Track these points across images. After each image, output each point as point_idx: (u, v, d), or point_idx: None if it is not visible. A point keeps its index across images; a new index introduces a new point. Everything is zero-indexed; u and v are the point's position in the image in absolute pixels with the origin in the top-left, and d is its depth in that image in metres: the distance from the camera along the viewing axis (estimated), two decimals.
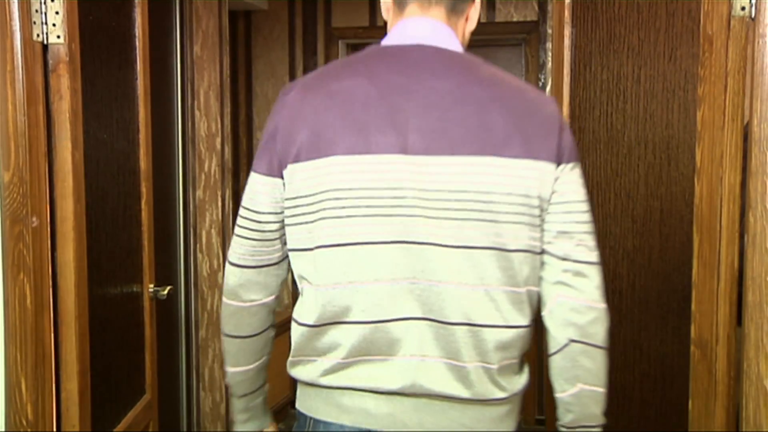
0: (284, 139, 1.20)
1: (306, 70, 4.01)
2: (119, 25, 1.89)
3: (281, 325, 4.73)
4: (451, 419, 1.19)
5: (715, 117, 1.46)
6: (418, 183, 1.15)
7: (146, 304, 2.06)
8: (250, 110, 4.13)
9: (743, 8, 1.39)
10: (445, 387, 1.17)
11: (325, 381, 1.22)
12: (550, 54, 3.70)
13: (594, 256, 1.22)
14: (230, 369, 1.37)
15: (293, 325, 1.27)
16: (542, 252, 1.21)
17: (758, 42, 1.33)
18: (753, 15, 1.37)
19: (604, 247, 1.87)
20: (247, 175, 1.32)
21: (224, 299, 1.33)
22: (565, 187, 1.20)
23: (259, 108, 4.11)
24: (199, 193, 2.80)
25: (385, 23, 1.32)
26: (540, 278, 1.22)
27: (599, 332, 1.21)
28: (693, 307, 1.53)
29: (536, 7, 3.74)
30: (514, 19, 3.74)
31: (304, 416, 1.28)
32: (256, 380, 1.39)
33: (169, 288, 2.16)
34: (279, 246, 1.28)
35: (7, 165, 1.40)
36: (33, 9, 1.44)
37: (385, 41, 1.27)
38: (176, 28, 2.67)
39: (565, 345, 1.21)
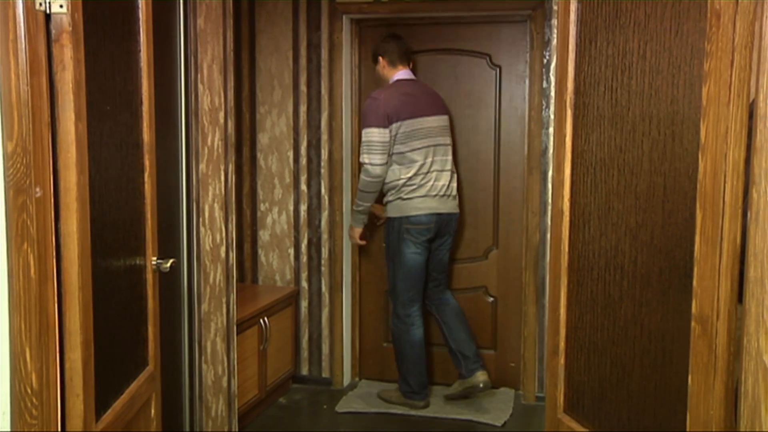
0: (386, 112, 3.64)
1: (309, 46, 3.99)
2: None
3: (283, 300, 4.78)
4: (447, 203, 3.78)
5: (720, 93, 1.45)
6: (429, 125, 3.74)
7: (149, 276, 2.07)
8: (253, 85, 4.12)
9: None
10: (448, 192, 3.79)
11: (411, 196, 3.73)
12: (555, 31, 3.67)
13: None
14: (364, 203, 3.76)
15: (396, 184, 3.69)
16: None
17: (766, 17, 1.32)
18: None
19: (607, 223, 1.86)
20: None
21: (370, 179, 3.66)
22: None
23: (262, 83, 4.09)
24: (202, 167, 2.80)
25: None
26: None
27: None
28: (694, 283, 1.53)
29: None
30: None
31: (393, 218, 3.76)
32: (369, 210, 3.84)
33: (171, 261, 2.17)
34: (389, 154, 3.67)
35: (11, 135, 1.40)
36: None
37: (398, 77, 3.81)
38: (179, 1, 2.65)
39: None
